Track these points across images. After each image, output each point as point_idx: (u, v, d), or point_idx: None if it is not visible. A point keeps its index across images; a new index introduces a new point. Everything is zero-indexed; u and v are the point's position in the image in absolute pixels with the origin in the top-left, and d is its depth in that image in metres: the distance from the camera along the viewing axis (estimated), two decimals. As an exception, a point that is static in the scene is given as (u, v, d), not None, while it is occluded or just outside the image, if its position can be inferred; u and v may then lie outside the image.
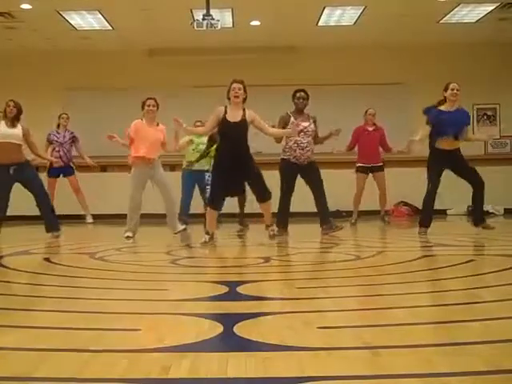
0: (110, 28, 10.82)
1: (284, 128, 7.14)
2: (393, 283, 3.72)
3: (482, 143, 12.18)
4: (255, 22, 10.80)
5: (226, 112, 6.21)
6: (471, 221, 7.30)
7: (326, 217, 7.46)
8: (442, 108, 7.14)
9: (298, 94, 7.34)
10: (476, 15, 10.61)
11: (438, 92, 11.60)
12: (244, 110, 6.24)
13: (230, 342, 2.29)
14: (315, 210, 7.45)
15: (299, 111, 7.33)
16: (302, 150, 7.22)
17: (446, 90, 7.10)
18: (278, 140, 7.25)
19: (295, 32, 11.09)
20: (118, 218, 10.74)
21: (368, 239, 7.24)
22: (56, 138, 10.37)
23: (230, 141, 6.19)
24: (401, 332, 2.43)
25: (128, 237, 6.97)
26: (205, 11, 8.81)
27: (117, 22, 10.58)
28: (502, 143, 12.38)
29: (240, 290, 3.38)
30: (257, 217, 9.26)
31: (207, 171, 9.89)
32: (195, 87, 11.66)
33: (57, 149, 10.34)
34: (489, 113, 12.42)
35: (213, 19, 8.74)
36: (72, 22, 10.50)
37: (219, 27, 8.89)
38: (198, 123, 9.50)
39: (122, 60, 11.82)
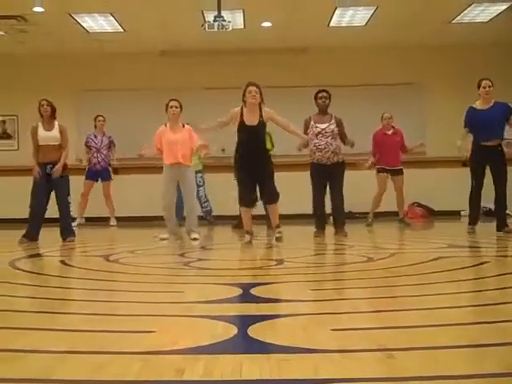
0: (122, 30, 10.86)
1: (306, 132, 7.27)
2: (406, 285, 3.70)
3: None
4: (266, 24, 10.79)
5: (242, 114, 6.24)
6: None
7: (338, 222, 7.45)
8: (477, 106, 7.08)
9: (319, 94, 7.38)
10: (488, 15, 10.54)
11: (450, 92, 11.64)
12: (261, 110, 6.27)
13: (244, 344, 2.30)
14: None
15: (322, 111, 7.36)
16: (321, 151, 7.25)
17: (478, 87, 7.04)
18: (305, 145, 7.29)
19: (307, 33, 11.08)
20: (129, 221, 10.83)
21: (381, 241, 7.23)
22: (94, 144, 10.48)
23: (248, 143, 6.28)
24: (415, 334, 2.42)
25: (162, 238, 7.11)
26: (216, 13, 8.81)
27: (128, 25, 10.61)
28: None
29: (254, 292, 3.38)
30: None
31: (199, 172, 10.07)
32: (207, 89, 11.67)
33: (94, 154, 10.45)
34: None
35: (224, 20, 8.72)
36: (84, 24, 10.55)
37: (230, 28, 8.87)
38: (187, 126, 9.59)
39: (134, 61, 11.84)
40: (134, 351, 2.20)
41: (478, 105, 7.08)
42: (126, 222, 10.84)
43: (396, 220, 9.42)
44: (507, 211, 10.59)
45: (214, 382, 1.85)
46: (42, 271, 4.74)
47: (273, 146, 8.43)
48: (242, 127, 6.27)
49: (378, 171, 9.33)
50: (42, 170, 7.12)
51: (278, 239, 6.34)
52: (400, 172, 9.32)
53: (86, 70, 11.92)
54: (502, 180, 7.01)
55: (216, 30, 8.79)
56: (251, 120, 6.24)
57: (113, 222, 10.67)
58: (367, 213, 9.47)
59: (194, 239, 6.99)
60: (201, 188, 10.20)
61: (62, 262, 5.31)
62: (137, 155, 7.38)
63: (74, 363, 2.08)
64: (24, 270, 4.76)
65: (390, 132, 9.35)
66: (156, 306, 3.15)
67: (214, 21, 8.75)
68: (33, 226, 7.12)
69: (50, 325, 2.70)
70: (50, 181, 7.13)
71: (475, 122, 6.99)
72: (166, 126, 7.14)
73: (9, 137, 12.31)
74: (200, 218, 10.08)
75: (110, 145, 10.63)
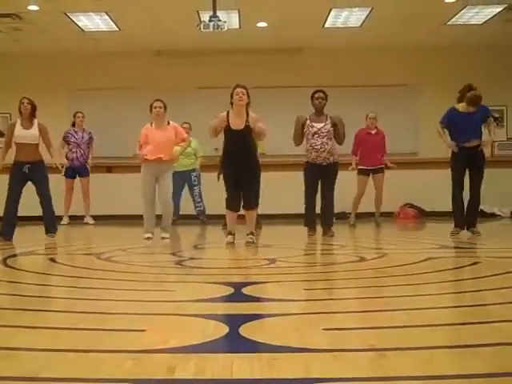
0: (117, 29, 10.85)
1: (302, 130, 7.29)
2: (398, 285, 3.70)
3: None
4: (262, 24, 10.81)
5: (228, 118, 6.23)
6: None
7: (325, 223, 7.45)
8: (459, 107, 7.07)
9: (316, 95, 7.37)
10: (483, 17, 10.59)
11: (444, 93, 11.61)
12: (248, 114, 6.25)
13: (235, 343, 2.29)
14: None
15: (318, 112, 7.36)
16: (317, 151, 7.25)
17: (468, 91, 7.04)
18: (297, 143, 7.33)
19: (302, 34, 11.10)
20: (123, 219, 10.82)
21: (373, 241, 7.23)
22: (74, 139, 10.39)
23: (235, 146, 6.26)
24: (406, 334, 2.42)
25: (148, 238, 7.09)
26: (211, 13, 8.80)
27: (124, 24, 10.61)
28: (510, 145, 12.33)
29: (245, 291, 3.37)
30: (269, 218, 9.31)
31: (193, 171, 10.14)
32: (202, 88, 11.67)
33: (73, 150, 10.37)
34: (496, 115, 12.37)
35: (219, 20, 8.73)
36: (79, 23, 10.54)
37: (226, 28, 8.87)
38: (186, 125, 9.58)
39: (129, 61, 11.84)
40: (125, 349, 2.20)
41: (460, 108, 7.07)
42: (120, 220, 10.83)
43: (372, 219, 9.38)
44: (498, 212, 10.63)
45: (205, 381, 1.85)
46: (33, 269, 4.72)
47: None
48: (228, 131, 6.26)
49: (359, 173, 9.36)
50: (18, 169, 7.01)
51: (248, 243, 6.35)
52: (381, 170, 9.36)
53: (81, 69, 11.91)
54: (479, 179, 7.04)
55: (211, 30, 8.79)
56: (237, 124, 6.23)
57: (89, 220, 10.49)
58: (362, 213, 9.49)
59: (163, 238, 7.09)
60: (195, 187, 10.21)
61: (53, 260, 5.29)
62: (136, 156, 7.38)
63: (65, 361, 2.07)
64: (15, 268, 4.74)
65: (373, 132, 9.40)
66: (147, 305, 3.14)
67: (210, 21, 8.75)
68: (7, 225, 7.03)
69: (41, 323, 2.69)
70: (26, 180, 7.04)
71: (456, 122, 7.00)
72: (151, 125, 7.20)
73: (1, 134, 12.29)
74: (193, 217, 10.15)
75: (90, 141, 10.56)
